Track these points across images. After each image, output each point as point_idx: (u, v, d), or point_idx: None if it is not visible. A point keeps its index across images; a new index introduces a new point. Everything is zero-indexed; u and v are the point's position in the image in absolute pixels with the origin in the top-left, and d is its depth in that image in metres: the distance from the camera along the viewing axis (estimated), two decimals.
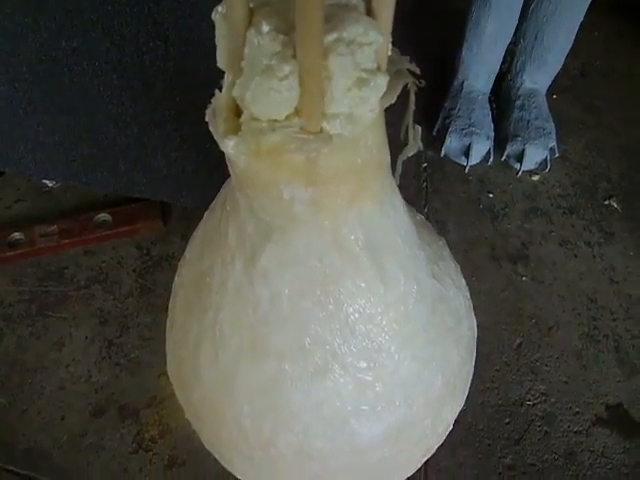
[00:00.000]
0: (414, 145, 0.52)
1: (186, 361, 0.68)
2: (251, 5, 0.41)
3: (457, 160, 1.58)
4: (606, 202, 1.55)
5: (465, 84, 1.63)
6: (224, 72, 0.47)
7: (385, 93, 0.43)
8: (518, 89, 1.64)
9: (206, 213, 0.69)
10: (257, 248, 0.53)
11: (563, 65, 1.63)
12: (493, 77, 1.66)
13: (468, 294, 0.77)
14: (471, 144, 1.53)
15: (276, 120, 0.42)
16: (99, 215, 1.35)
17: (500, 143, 1.60)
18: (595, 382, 1.22)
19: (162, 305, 1.25)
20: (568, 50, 1.58)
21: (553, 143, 1.56)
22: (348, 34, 0.40)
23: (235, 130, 0.44)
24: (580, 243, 1.45)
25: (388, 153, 0.51)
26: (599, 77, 1.95)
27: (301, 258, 0.52)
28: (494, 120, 1.64)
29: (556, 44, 1.56)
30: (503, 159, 1.59)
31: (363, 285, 0.54)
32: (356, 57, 0.40)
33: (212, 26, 0.92)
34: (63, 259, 1.33)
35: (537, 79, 1.64)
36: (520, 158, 1.55)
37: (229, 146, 0.43)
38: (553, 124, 1.60)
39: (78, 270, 1.31)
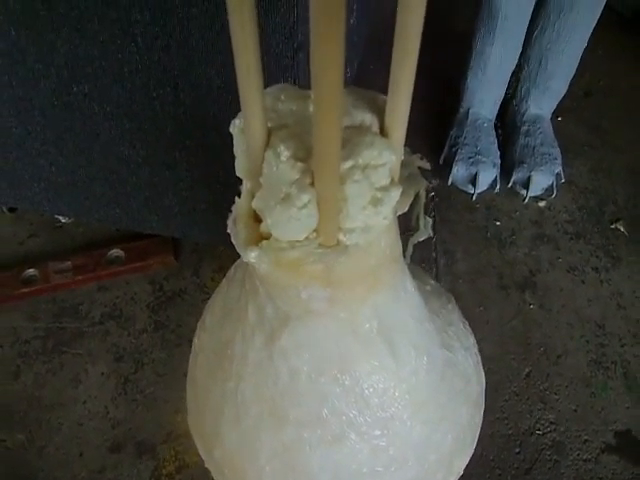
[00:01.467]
0: (425, 232, 0.54)
1: (208, 420, 0.71)
2: (269, 125, 0.43)
3: (464, 188, 1.59)
4: (613, 226, 1.56)
5: (470, 112, 1.65)
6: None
7: (398, 201, 0.45)
8: (523, 115, 1.66)
9: (225, 281, 0.71)
10: (276, 329, 0.55)
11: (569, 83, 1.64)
12: (498, 103, 1.68)
13: (476, 349, 0.80)
14: (477, 172, 1.54)
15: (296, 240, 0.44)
16: (112, 251, 1.37)
17: (506, 170, 1.62)
18: (604, 409, 1.24)
19: (176, 341, 1.27)
20: (572, 76, 1.60)
21: (559, 168, 1.57)
22: (363, 159, 0.42)
23: (255, 237, 0.46)
24: (587, 269, 1.46)
25: (400, 246, 0.53)
26: (603, 96, 1.96)
27: (318, 341, 0.54)
28: (500, 146, 1.66)
29: (560, 71, 1.57)
30: (510, 186, 1.60)
31: (377, 364, 0.57)
32: (371, 179, 0.42)
33: (220, 73, 0.94)
34: (77, 295, 1.35)
35: (542, 105, 1.65)
36: (526, 185, 1.56)
37: (250, 256, 0.45)
38: (558, 149, 1.61)
39: (92, 306, 1.33)
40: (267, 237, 0.46)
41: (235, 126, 0.45)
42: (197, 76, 0.96)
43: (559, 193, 1.60)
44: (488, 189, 1.60)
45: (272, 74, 0.91)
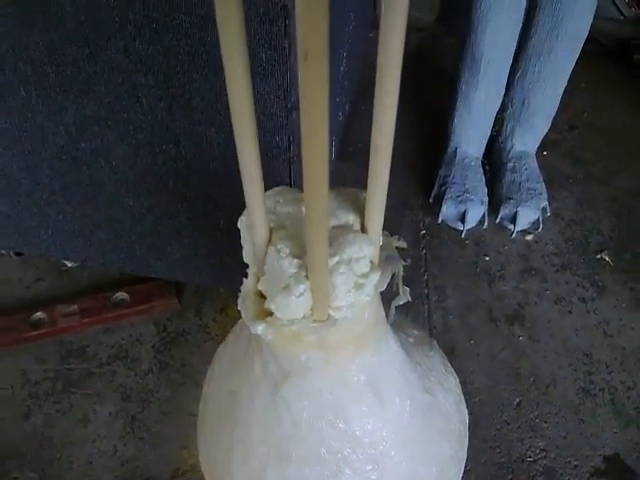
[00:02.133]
0: (404, 297, 0.60)
1: (219, 460, 0.78)
2: (271, 225, 0.50)
3: (454, 225, 1.65)
4: (598, 256, 1.62)
5: (458, 151, 1.72)
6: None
7: (378, 280, 0.52)
8: (509, 152, 1.73)
9: (232, 335, 0.78)
10: (279, 382, 0.63)
11: (552, 119, 1.72)
12: (485, 142, 1.75)
13: (458, 389, 0.86)
14: (466, 210, 1.60)
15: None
16: (117, 294, 1.43)
17: (494, 205, 1.68)
18: (592, 435, 1.28)
19: (180, 380, 1.32)
20: (554, 113, 1.68)
21: (544, 203, 1.64)
22: (347, 255, 0.51)
23: (261, 312, 0.54)
24: (574, 299, 1.52)
25: (382, 312, 0.60)
26: (587, 129, 2.04)
27: (315, 392, 0.62)
28: (487, 182, 1.72)
29: (542, 109, 1.65)
30: (497, 221, 1.67)
31: (366, 409, 0.66)
32: (354, 269, 0.50)
33: (219, 131, 1.01)
34: (84, 337, 1.40)
35: (526, 141, 1.72)
36: (514, 220, 1.63)
37: (258, 330, 0.53)
38: (544, 184, 1.68)
39: (99, 348, 1.38)
40: (271, 312, 0.53)
41: (242, 222, 0.53)
42: (198, 134, 1.03)
43: (545, 226, 1.66)
44: (477, 225, 1.66)
45: (268, 132, 0.98)
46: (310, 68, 0.34)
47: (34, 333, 1.39)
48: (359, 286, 0.52)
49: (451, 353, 1.36)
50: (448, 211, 1.63)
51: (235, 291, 1.27)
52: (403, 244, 0.57)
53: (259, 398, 0.66)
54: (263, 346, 0.60)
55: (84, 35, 0.96)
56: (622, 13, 2.40)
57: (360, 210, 0.53)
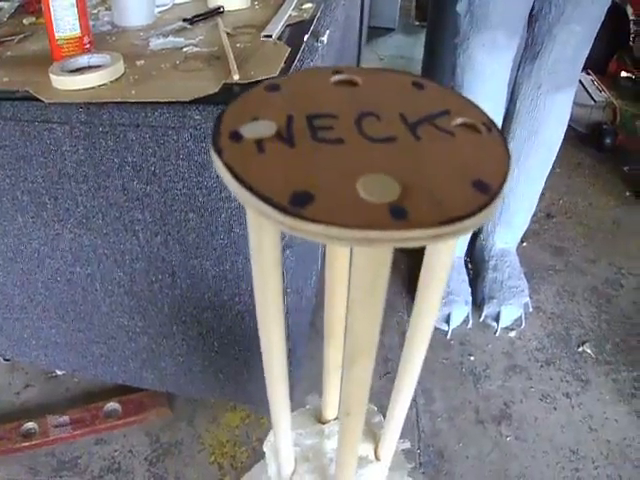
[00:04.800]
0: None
1: None
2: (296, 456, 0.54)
3: (439, 326, 1.69)
4: (580, 349, 1.65)
5: None
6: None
7: None
8: (490, 249, 1.78)
9: None
10: None
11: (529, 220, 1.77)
12: (467, 241, 1.80)
13: None
14: (451, 312, 1.64)
15: None
16: (108, 404, 1.43)
17: (477, 303, 1.72)
18: None
19: None
20: (533, 212, 1.73)
21: (526, 299, 1.68)
22: None
23: None
24: (558, 395, 1.54)
25: None
26: (564, 216, 2.10)
27: None
28: (471, 280, 1.77)
29: (521, 209, 1.71)
30: (481, 319, 1.70)
31: None
32: None
33: (215, 265, 1.03)
34: (76, 448, 1.40)
35: (507, 239, 1.78)
36: (497, 318, 1.67)
37: None
38: (525, 280, 1.73)
39: (91, 459, 1.38)
40: None
41: (267, 446, 0.55)
42: (193, 266, 1.06)
43: (528, 321, 1.70)
44: (461, 324, 1.69)
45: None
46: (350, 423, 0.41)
47: (25, 444, 1.39)
48: None
49: (440, 457, 1.38)
50: None
51: (227, 401, 1.28)
52: (407, 445, 0.60)
53: None
54: None
55: (83, 173, 0.99)
56: (593, 98, 2.49)
57: (372, 435, 0.56)
